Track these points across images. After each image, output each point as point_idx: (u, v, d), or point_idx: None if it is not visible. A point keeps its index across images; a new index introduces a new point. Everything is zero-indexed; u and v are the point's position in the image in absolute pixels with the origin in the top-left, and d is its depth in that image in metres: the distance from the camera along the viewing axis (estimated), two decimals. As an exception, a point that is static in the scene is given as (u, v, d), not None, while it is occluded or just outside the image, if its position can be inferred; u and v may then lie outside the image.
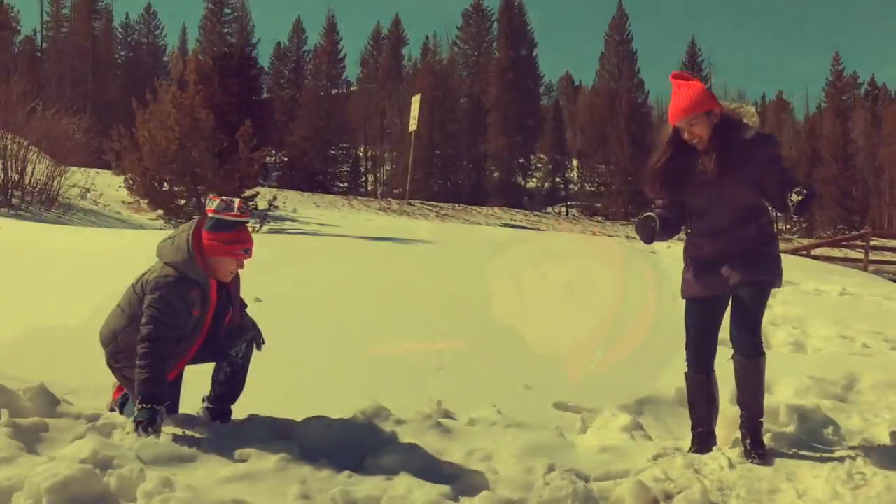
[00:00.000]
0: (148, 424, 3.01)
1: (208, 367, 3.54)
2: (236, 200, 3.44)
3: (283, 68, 69.63)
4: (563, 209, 58.59)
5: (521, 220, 28.03)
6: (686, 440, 3.83)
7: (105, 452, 2.70)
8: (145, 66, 63.85)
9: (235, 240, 3.33)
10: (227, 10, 62.61)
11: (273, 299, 6.68)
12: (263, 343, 3.55)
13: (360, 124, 64.16)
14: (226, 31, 62.39)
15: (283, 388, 4.49)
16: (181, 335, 3.27)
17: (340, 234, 15.90)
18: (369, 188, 64.45)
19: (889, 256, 24.82)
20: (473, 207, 31.83)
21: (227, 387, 3.50)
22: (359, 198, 34.92)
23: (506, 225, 25.60)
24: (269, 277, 8.13)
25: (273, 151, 19.54)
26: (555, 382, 5.15)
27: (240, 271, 3.52)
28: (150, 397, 3.06)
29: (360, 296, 8.13)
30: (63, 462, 2.60)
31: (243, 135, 15.85)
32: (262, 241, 12.40)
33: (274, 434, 3.18)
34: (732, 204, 3.54)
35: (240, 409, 3.57)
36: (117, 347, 3.33)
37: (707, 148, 3.50)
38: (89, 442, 2.76)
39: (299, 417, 3.59)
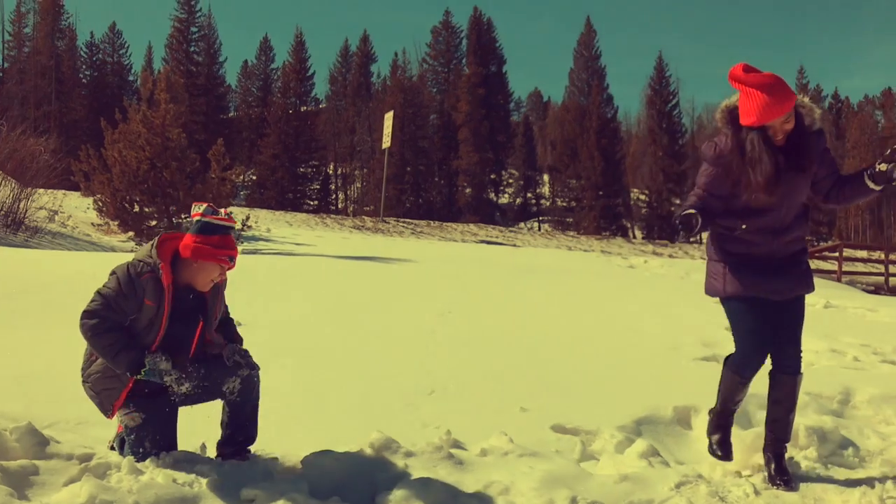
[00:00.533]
0: (163, 376, 2.94)
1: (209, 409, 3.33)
2: (222, 209, 3.36)
3: (251, 86, 69.36)
4: (536, 224, 58.84)
5: (497, 237, 27.98)
6: (701, 464, 3.71)
7: (102, 496, 2.52)
8: (111, 86, 63.09)
9: (223, 245, 3.22)
10: (193, 29, 62.06)
11: (254, 324, 6.49)
12: (257, 374, 3.36)
13: (330, 142, 64.00)
14: (192, 49, 61.84)
15: (272, 419, 4.31)
16: (132, 326, 3.11)
17: (317, 254, 15.70)
18: (340, 206, 64.22)
19: (860, 267, 25.17)
20: (449, 224, 31.75)
21: (232, 429, 3.31)
22: (332, 216, 34.70)
23: (482, 241, 25.56)
24: (248, 300, 7.94)
25: (245, 169, 19.31)
26: (551, 403, 5.02)
27: (221, 290, 3.41)
28: (131, 365, 2.99)
29: (344, 317, 7.96)
30: (59, 509, 2.41)
31: (216, 154, 15.60)
32: (239, 264, 12.17)
33: (279, 472, 2.99)
34: (798, 200, 3.40)
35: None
36: (87, 361, 3.22)
37: (790, 142, 3.29)
38: (85, 486, 2.57)
39: (292, 449, 3.44)
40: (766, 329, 3.43)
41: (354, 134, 65.02)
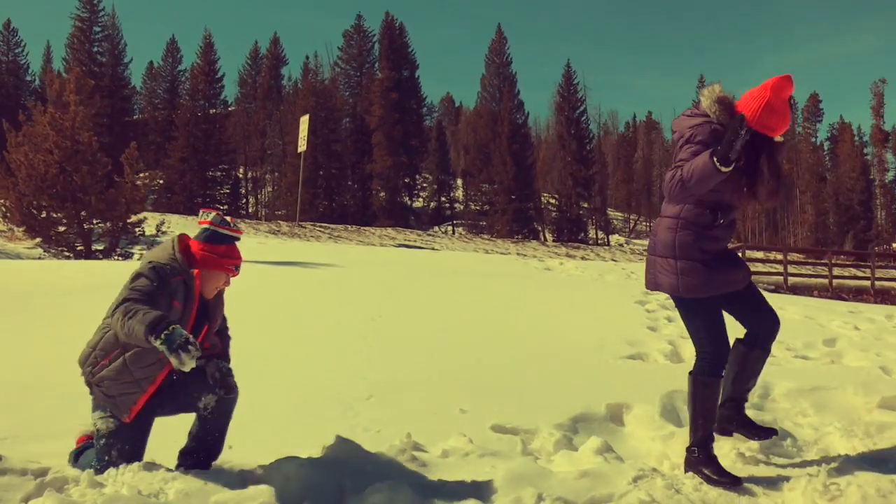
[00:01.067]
0: (183, 344, 2.78)
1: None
2: (229, 217, 3.36)
3: (157, 88, 67.34)
4: (450, 228, 59.18)
5: (415, 240, 28.05)
6: (649, 458, 3.89)
7: (68, 512, 2.45)
8: (6, 85, 60.17)
9: (230, 254, 3.26)
10: (96, 29, 59.72)
11: None
12: (235, 396, 3.31)
13: (240, 145, 62.72)
14: (96, 49, 59.52)
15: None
16: None
17: (236, 260, 15.37)
18: (251, 210, 63.01)
19: (760, 268, 26.40)
20: (366, 228, 31.65)
21: (197, 443, 3.27)
22: (246, 220, 34.02)
23: (401, 245, 25.59)
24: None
25: (159, 174, 18.66)
26: (489, 404, 5.11)
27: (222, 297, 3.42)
28: (155, 326, 2.80)
29: (274, 324, 7.88)
30: (25, 527, 2.34)
31: (128, 158, 15.11)
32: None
33: (245, 479, 2.97)
34: None
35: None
36: (94, 356, 3.12)
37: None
38: (47, 502, 2.49)
39: (249, 457, 3.41)
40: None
41: (265, 137, 64.01)
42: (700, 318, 3.55)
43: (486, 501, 2.96)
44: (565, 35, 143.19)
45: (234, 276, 3.30)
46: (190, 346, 2.79)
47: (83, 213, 15.22)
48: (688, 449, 3.54)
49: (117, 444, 3.06)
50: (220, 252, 3.22)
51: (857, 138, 73.71)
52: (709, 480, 3.32)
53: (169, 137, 57.81)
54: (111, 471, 2.93)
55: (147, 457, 3.16)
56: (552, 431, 4.39)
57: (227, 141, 60.29)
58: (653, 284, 3.68)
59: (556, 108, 63.96)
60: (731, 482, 3.29)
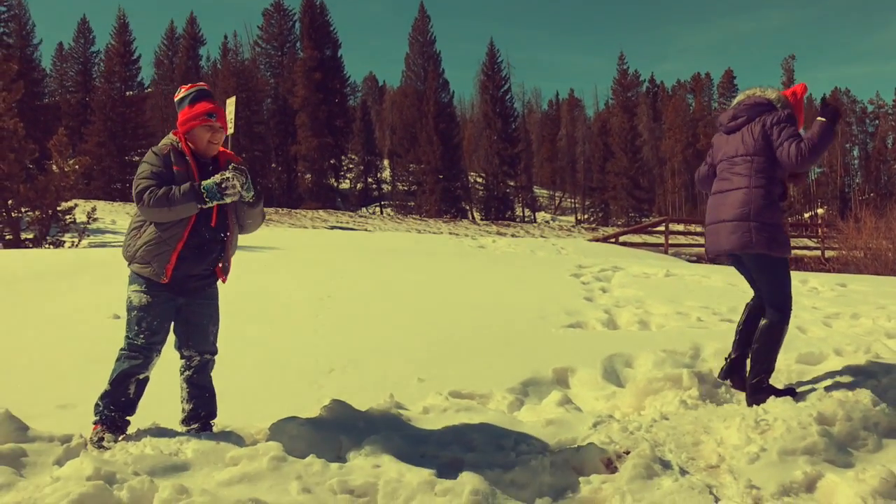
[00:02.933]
0: (221, 188, 3.44)
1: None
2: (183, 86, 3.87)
3: (69, 70, 64.98)
4: (378, 209, 59.19)
5: (347, 222, 28.14)
6: (601, 406, 4.34)
7: (106, 469, 2.73)
8: None
9: (196, 110, 3.66)
10: (2, 9, 57.22)
11: None
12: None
13: (159, 128, 61.06)
14: (2, 30, 57.02)
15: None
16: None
17: (172, 245, 15.27)
18: (173, 195, 61.55)
19: (682, 240, 27.54)
20: (297, 211, 31.51)
21: (195, 404, 3.69)
22: (172, 205, 33.29)
23: (334, 227, 25.65)
24: (120, 295, 7.87)
25: (89, 160, 18.17)
26: (444, 373, 5.46)
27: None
28: (192, 189, 3.43)
29: (225, 306, 8.03)
30: (71, 481, 2.62)
31: (57, 144, 14.81)
32: (98, 259, 11.80)
33: (253, 440, 3.28)
34: None
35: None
36: (128, 239, 3.65)
37: None
38: (87, 460, 2.78)
39: (243, 423, 3.69)
40: None
41: (186, 119, 62.44)
42: (786, 276, 4.32)
43: (470, 446, 3.34)
44: (488, 12, 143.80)
45: (211, 123, 3.66)
46: (224, 183, 3.43)
47: (10, 201, 14.88)
48: (755, 381, 4.24)
49: (147, 318, 3.51)
50: (189, 112, 3.67)
51: (768, 113, 76.45)
52: (777, 394, 4.12)
53: (84, 122, 56.00)
54: (127, 438, 3.21)
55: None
56: (505, 395, 4.75)
57: (146, 124, 58.75)
58: (738, 247, 4.28)
59: (480, 87, 64.54)
60: (792, 393, 4.13)
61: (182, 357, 3.72)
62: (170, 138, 3.70)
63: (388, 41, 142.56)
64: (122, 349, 3.56)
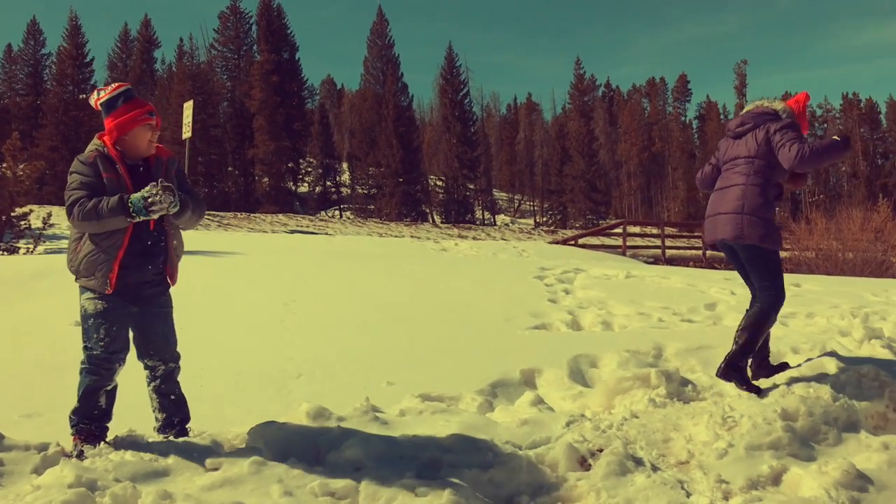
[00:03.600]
0: (146, 204, 3.30)
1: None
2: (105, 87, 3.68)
3: (19, 73, 63.52)
4: (337, 213, 58.91)
5: (307, 226, 27.97)
6: (569, 406, 4.41)
7: (87, 476, 2.73)
8: None
9: (133, 108, 3.54)
10: (-54, 8, 55.79)
11: None
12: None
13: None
14: (-54, 31, 55.63)
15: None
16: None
17: (131, 250, 15.02)
18: (129, 199, 60.50)
19: (639, 242, 27.98)
20: (256, 215, 31.23)
21: (168, 412, 3.66)
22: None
23: (294, 231, 25.48)
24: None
25: (44, 164, 17.69)
26: (412, 376, 5.50)
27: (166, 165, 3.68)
28: (119, 202, 3.31)
29: (189, 312, 7.93)
30: (52, 489, 2.61)
31: (11, 148, 14.50)
32: (55, 266, 11.64)
33: (232, 444, 3.28)
34: None
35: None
36: (70, 253, 3.58)
37: None
38: (68, 467, 2.77)
39: (218, 429, 3.69)
40: None
41: (140, 123, 61.41)
42: (777, 268, 4.54)
43: (448, 447, 3.39)
44: (447, 16, 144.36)
45: (152, 122, 3.56)
46: (150, 198, 3.30)
47: (-39, 207, 14.52)
48: (732, 363, 4.49)
49: (104, 325, 3.44)
50: (124, 112, 3.52)
51: (722, 116, 78.25)
52: (739, 386, 4.38)
53: (36, 125, 54.79)
54: (106, 446, 3.20)
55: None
56: (474, 397, 4.80)
57: (100, 128, 57.18)
58: (735, 236, 4.53)
59: (439, 91, 64.67)
60: (757, 392, 4.32)
61: (146, 367, 3.67)
62: (95, 144, 3.56)
63: (346, 44, 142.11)
64: (82, 362, 3.48)
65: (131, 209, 3.30)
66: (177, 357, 3.71)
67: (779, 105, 4.69)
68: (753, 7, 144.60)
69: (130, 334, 3.59)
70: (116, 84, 3.65)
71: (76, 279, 3.55)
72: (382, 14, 64.72)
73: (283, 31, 62.49)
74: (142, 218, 3.33)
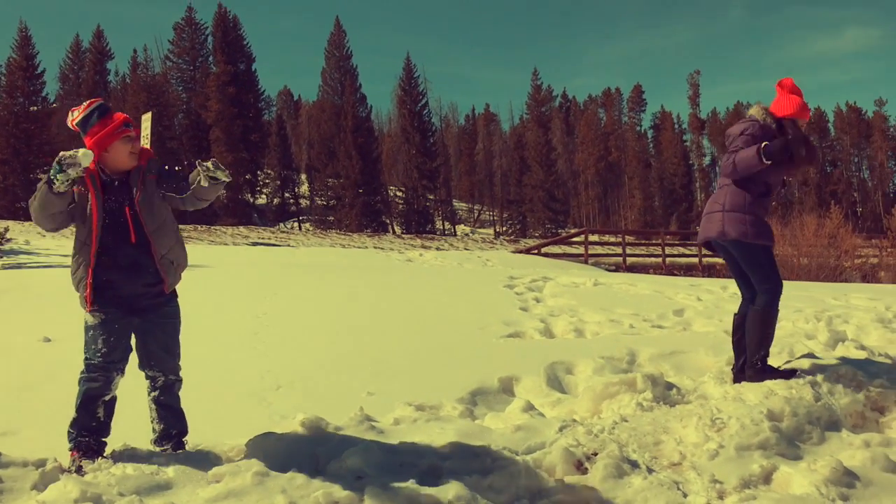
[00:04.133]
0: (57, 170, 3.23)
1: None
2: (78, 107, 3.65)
3: (-34, 84, 61.97)
4: (296, 224, 58.50)
5: (269, 238, 27.74)
6: (549, 412, 4.46)
7: (91, 491, 2.70)
8: None
9: (109, 123, 3.51)
10: None
11: (65, 338, 6.48)
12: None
13: (66, 144, 58.80)
14: None
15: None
16: (73, 211, 3.44)
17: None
18: (84, 213, 59.35)
19: (600, 250, 28.30)
20: (217, 228, 30.86)
21: (165, 424, 3.63)
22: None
23: (256, 244, 25.24)
24: (52, 317, 7.60)
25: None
26: (393, 386, 5.52)
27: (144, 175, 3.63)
28: (47, 179, 3.28)
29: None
30: (57, 505, 2.56)
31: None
32: (18, 281, 11.35)
33: (230, 456, 3.27)
34: None
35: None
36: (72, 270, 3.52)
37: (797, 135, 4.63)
38: (71, 482, 2.74)
39: (215, 441, 3.65)
40: None
41: (93, 135, 60.35)
42: (769, 261, 4.64)
43: (446, 454, 3.41)
44: (404, 27, 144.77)
45: (129, 133, 3.54)
46: (60, 163, 3.24)
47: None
48: (751, 363, 4.61)
49: (102, 336, 3.41)
50: (99, 130, 3.49)
51: (676, 126, 79.69)
52: (774, 376, 4.47)
53: (-15, 138, 53.48)
54: (106, 460, 3.16)
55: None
56: (455, 405, 4.82)
57: (52, 141, 56.40)
58: (718, 234, 4.68)
59: (398, 102, 64.77)
60: (790, 375, 4.49)
61: (147, 378, 3.66)
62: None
63: (303, 55, 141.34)
64: (81, 372, 3.46)
65: (53, 174, 3.25)
66: (177, 369, 3.69)
67: (752, 110, 4.85)
68: (704, 19, 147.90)
69: (134, 343, 3.58)
70: (89, 101, 3.61)
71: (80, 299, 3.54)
72: (340, 25, 64.77)
73: (240, 42, 62.09)
74: (61, 179, 3.24)
